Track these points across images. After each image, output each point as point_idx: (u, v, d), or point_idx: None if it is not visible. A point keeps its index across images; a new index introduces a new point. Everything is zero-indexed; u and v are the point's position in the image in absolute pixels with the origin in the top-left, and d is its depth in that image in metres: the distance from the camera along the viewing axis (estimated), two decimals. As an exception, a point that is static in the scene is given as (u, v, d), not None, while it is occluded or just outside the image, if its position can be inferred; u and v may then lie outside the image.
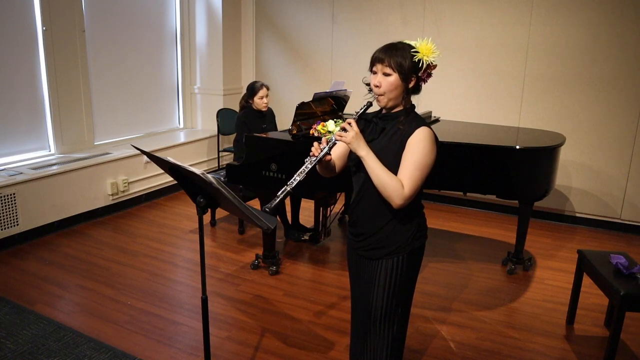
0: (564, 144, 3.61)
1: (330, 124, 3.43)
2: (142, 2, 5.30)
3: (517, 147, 3.37)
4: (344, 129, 1.79)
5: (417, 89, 1.87)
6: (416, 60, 1.78)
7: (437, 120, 4.23)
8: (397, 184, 1.74)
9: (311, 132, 3.46)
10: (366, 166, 1.78)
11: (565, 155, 4.47)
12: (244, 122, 4.10)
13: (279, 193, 1.86)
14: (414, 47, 1.80)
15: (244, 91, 4.23)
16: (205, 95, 6.02)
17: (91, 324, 2.96)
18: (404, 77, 1.79)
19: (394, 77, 1.79)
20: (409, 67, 1.78)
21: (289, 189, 1.86)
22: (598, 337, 2.97)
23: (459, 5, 4.85)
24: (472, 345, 2.85)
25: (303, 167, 1.86)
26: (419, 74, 1.82)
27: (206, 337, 2.21)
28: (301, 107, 3.53)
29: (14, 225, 3.97)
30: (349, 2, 5.37)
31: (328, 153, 1.86)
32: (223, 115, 5.63)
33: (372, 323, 1.94)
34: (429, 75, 1.84)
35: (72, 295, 3.32)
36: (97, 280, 3.50)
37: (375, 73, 1.83)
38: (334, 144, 1.85)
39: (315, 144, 1.87)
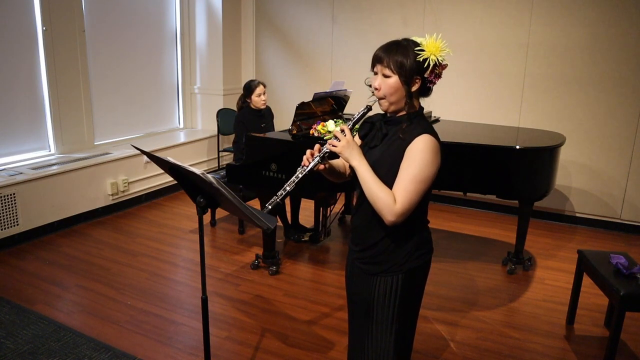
0: (564, 144, 3.61)
1: (330, 124, 3.43)
2: (142, 2, 5.30)
3: (517, 147, 3.36)
4: (336, 137, 1.66)
5: (425, 92, 1.69)
6: (421, 59, 1.59)
7: (437, 120, 4.23)
8: (388, 198, 1.58)
9: (311, 132, 3.46)
10: (358, 177, 1.64)
11: (565, 155, 4.47)
12: (242, 122, 4.10)
13: (267, 204, 1.79)
14: (419, 45, 1.61)
15: (244, 91, 4.23)
16: (205, 95, 6.02)
17: (91, 324, 2.96)
18: (405, 79, 1.61)
19: (394, 80, 1.61)
20: (411, 68, 1.59)
21: (278, 199, 1.78)
22: (598, 337, 2.97)
23: (459, 5, 4.85)
24: (472, 345, 2.85)
25: (293, 177, 1.75)
26: (425, 75, 1.62)
27: (206, 337, 2.21)
28: (301, 107, 3.53)
29: (14, 225, 3.97)
30: (349, 2, 5.37)
31: (320, 162, 1.72)
32: (223, 115, 5.63)
33: (369, 335, 1.82)
34: (438, 76, 1.64)
35: (72, 295, 3.32)
36: (97, 280, 3.50)
37: (376, 74, 1.66)
38: (326, 153, 1.71)
39: (308, 152, 1.74)
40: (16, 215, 3.97)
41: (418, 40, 1.63)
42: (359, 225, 1.81)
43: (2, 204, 3.85)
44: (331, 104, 3.90)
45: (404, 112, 1.68)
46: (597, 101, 4.48)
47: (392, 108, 1.68)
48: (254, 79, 4.23)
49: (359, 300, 1.86)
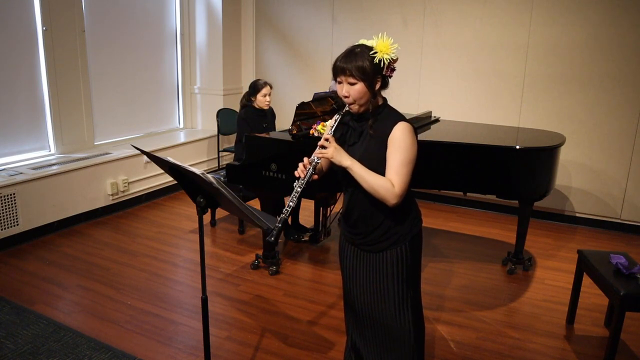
0: (564, 144, 3.61)
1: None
2: (142, 2, 5.30)
3: (517, 147, 3.37)
4: (322, 146, 1.82)
5: (384, 85, 1.88)
6: (377, 61, 1.77)
7: (437, 120, 4.23)
8: (387, 184, 1.77)
9: (311, 132, 3.46)
10: (353, 175, 1.80)
11: (565, 155, 4.47)
12: (245, 120, 4.09)
13: (277, 223, 1.87)
14: (372, 48, 1.79)
15: (244, 91, 4.21)
16: (205, 95, 6.02)
17: (91, 324, 2.96)
18: (369, 82, 1.79)
19: (360, 85, 1.79)
20: (371, 70, 1.78)
21: (285, 216, 1.86)
22: (598, 337, 2.97)
23: (459, 5, 4.85)
24: (472, 345, 2.85)
25: (293, 192, 1.87)
26: (383, 73, 1.82)
27: (206, 337, 2.21)
28: (301, 107, 3.53)
29: (14, 225, 3.97)
30: (349, 2, 5.37)
31: (314, 173, 1.87)
32: (223, 115, 5.63)
33: (389, 315, 1.96)
34: (393, 70, 1.85)
35: (72, 295, 3.32)
36: (97, 280, 3.50)
37: (340, 83, 1.84)
38: (317, 163, 1.87)
39: (300, 165, 1.88)
40: (16, 215, 3.97)
41: (369, 43, 1.81)
42: (357, 218, 1.96)
43: (2, 204, 3.85)
44: (331, 104, 3.89)
45: (371, 108, 1.87)
46: (597, 101, 4.48)
47: (362, 109, 1.87)
48: (260, 78, 4.23)
49: (368, 280, 1.99)
